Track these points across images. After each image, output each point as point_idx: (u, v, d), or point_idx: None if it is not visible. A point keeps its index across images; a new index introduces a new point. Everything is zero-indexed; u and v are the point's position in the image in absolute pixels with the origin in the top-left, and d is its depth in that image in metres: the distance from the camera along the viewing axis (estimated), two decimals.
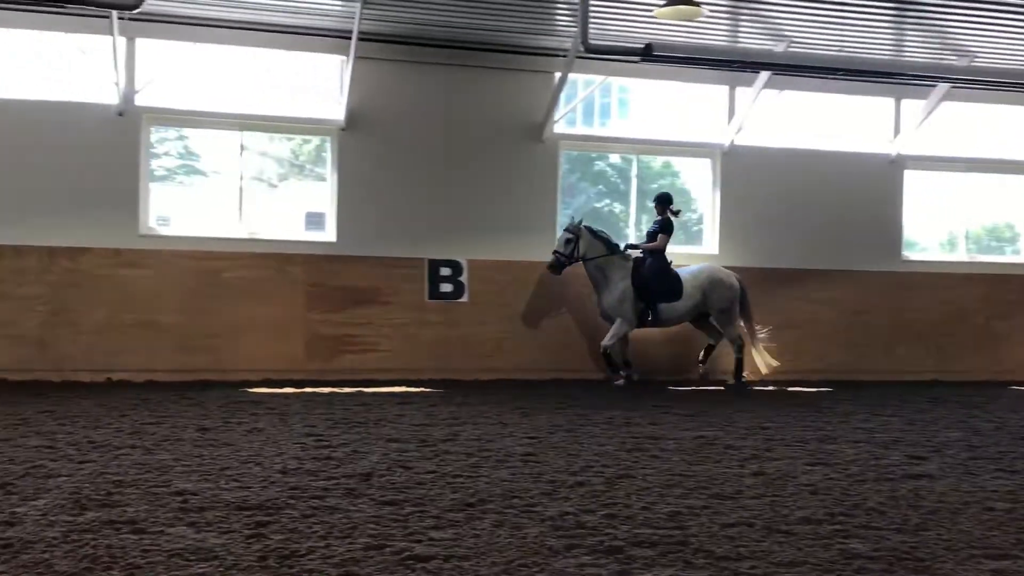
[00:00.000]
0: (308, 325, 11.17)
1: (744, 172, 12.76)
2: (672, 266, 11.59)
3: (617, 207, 13.64)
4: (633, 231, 12.85)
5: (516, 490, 5.82)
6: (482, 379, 11.51)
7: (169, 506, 5.29)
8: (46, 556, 4.38)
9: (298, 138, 12.22)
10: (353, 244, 11.53)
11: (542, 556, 4.44)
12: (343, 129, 11.50)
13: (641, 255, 11.59)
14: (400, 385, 10.87)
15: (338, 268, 11.37)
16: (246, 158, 11.67)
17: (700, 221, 13.32)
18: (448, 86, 11.77)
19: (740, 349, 11.91)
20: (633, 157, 12.97)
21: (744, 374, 11.91)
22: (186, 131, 11.82)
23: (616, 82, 13.02)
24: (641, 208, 12.94)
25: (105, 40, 10.47)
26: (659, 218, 11.58)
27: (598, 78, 12.29)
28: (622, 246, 11.65)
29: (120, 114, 10.79)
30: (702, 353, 12.08)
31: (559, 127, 12.32)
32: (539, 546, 4.59)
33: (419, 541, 4.68)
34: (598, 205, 13.84)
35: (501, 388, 11.02)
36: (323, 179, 12.01)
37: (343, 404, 9.48)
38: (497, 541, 4.67)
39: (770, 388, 11.84)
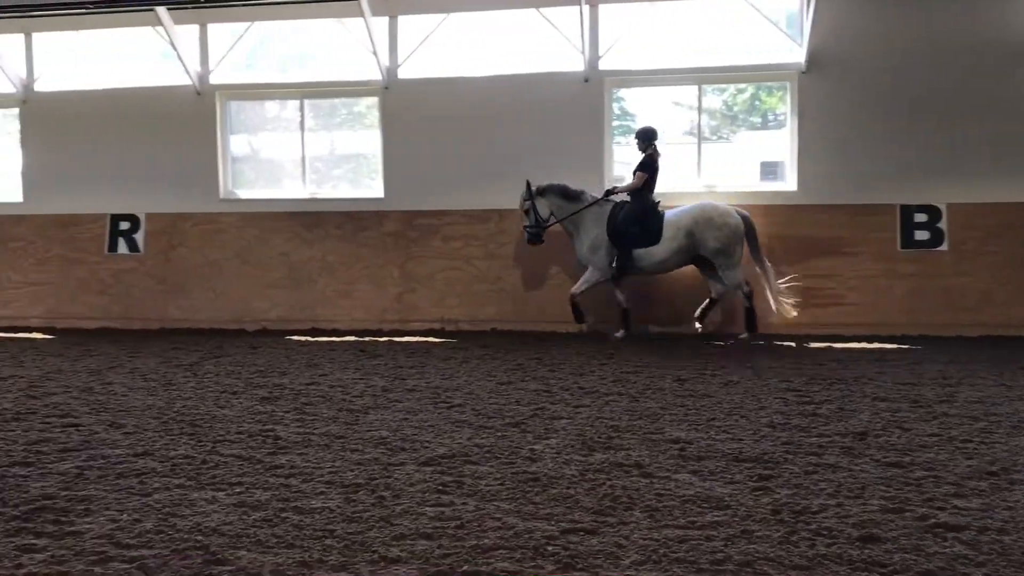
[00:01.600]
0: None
1: None
2: (659, 207, 10.30)
3: None
4: None
5: None
6: (967, 335, 10.38)
7: (668, 453, 5.46)
8: (571, 492, 4.74)
9: (731, 88, 11.86)
10: (814, 193, 11.00)
11: None
12: (803, 72, 10.97)
13: (626, 198, 10.45)
14: (871, 341, 10.20)
15: (799, 218, 10.95)
16: (697, 112, 11.63)
17: None
18: (929, 11, 10.62)
19: (749, 297, 10.13)
20: None
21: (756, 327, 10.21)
22: (624, 92, 11.97)
23: None
24: None
25: (571, 11, 11.10)
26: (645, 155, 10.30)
27: None
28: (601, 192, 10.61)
29: (586, 80, 11.39)
30: (699, 309, 10.41)
31: None
32: None
33: (942, 509, 4.30)
34: None
35: (989, 346, 9.85)
36: (779, 127, 11.60)
37: (814, 359, 9.14)
38: None
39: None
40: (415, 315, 11.54)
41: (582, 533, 4.16)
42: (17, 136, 12.71)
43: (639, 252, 10.26)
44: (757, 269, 10.27)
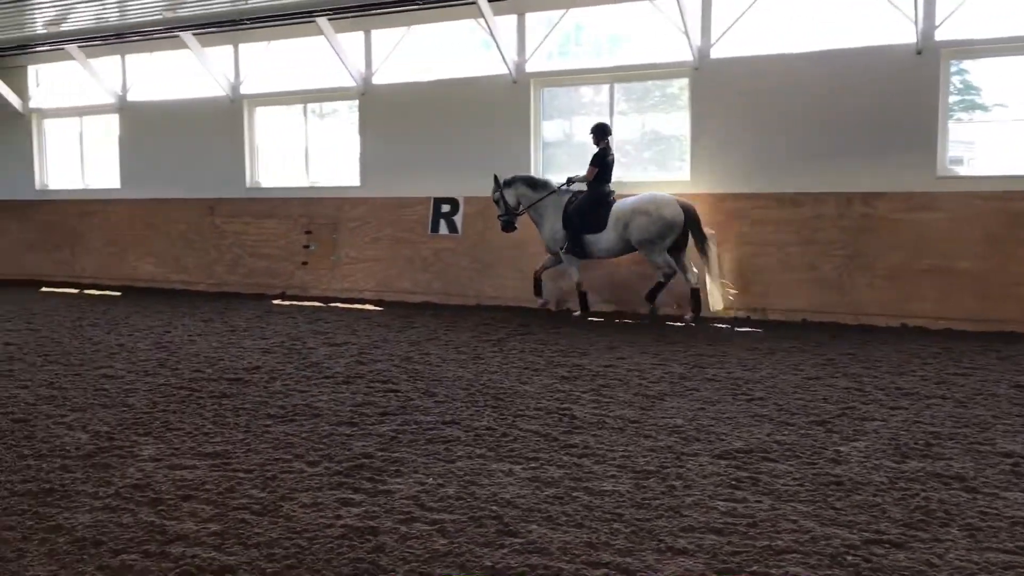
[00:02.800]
0: None
1: None
2: (612, 197, 11.00)
3: None
4: None
5: None
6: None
7: (998, 467, 4.86)
8: (877, 500, 4.36)
9: None
10: None
11: None
12: None
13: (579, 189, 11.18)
14: None
15: None
16: None
17: None
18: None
19: (665, 276, 10.70)
20: None
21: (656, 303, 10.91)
22: (967, 63, 10.75)
23: None
24: None
25: None
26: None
27: None
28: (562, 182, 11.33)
29: (918, 52, 10.40)
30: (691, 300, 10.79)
31: None
32: None
33: None
34: None
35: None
36: None
37: None
38: None
39: None
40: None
41: (887, 546, 3.81)
42: (356, 126, 14.02)
43: (588, 238, 11.00)
44: (701, 257, 10.66)
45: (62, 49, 15.25)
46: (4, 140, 17.17)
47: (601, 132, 11.03)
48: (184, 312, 12.16)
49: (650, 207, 10.62)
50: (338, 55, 13.38)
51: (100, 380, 7.61)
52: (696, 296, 10.71)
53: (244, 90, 14.79)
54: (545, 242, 11.46)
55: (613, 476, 4.92)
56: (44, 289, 15.46)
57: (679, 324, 10.72)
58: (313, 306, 12.90)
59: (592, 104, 12.74)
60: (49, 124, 17.07)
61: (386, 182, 13.60)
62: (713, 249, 10.72)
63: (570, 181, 11.21)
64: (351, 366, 8.19)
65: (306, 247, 14.10)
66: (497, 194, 11.56)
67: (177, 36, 14.13)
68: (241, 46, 14.71)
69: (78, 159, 16.86)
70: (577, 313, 11.44)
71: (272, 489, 4.72)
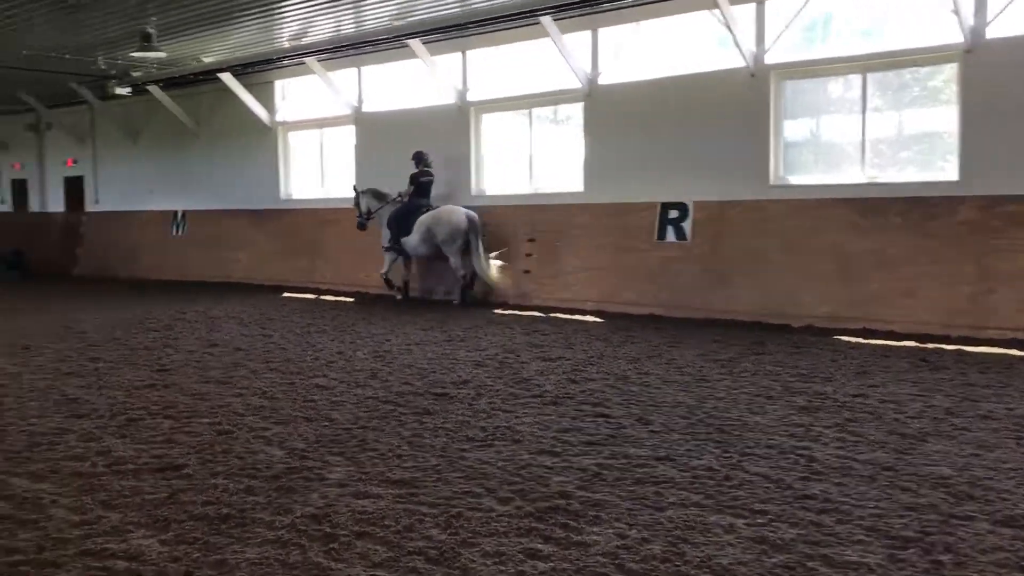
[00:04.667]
0: None
1: None
2: (424, 208, 14.01)
3: None
4: None
5: None
6: None
7: None
8: None
9: None
10: None
11: None
12: None
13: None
14: None
15: None
16: None
17: None
18: None
19: (464, 278, 13.70)
20: None
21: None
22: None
23: None
24: None
25: None
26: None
27: None
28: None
29: None
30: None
31: None
32: None
33: None
34: None
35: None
36: None
37: None
38: None
39: None
40: (993, 321, 9.62)
41: None
42: (581, 128, 13.49)
43: (404, 239, 14.00)
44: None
45: (303, 64, 15.90)
46: (253, 153, 18.21)
47: (418, 158, 14.20)
48: (407, 320, 12.14)
49: (445, 216, 13.55)
50: (563, 55, 12.91)
51: (312, 391, 7.51)
52: (468, 281, 13.67)
53: (471, 97, 14.70)
54: (384, 242, 14.49)
55: (860, 542, 3.98)
56: (286, 295, 16.17)
57: (935, 348, 9.25)
58: (533, 316, 12.48)
59: (842, 101, 11.39)
60: (293, 136, 17.93)
61: (610, 187, 12.96)
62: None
63: (399, 195, 14.46)
64: (561, 384, 7.60)
65: (528, 255, 13.74)
66: (355, 200, 14.87)
67: (407, 46, 14.27)
68: (468, 52, 14.63)
69: (318, 169, 17.58)
70: (399, 298, 14.52)
71: (454, 531, 4.18)
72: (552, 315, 12.52)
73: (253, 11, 13.25)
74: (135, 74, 17.62)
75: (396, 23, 13.72)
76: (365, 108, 16.30)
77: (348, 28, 14.25)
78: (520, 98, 14.20)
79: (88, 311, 13.69)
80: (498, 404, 6.88)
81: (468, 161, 14.73)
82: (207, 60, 16.56)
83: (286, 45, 15.40)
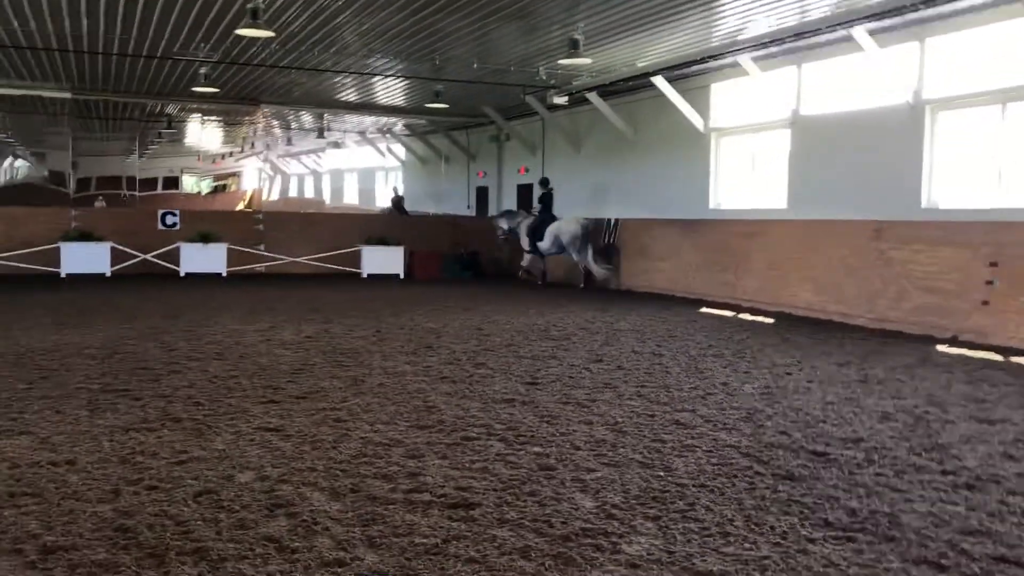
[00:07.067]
0: None
1: None
2: (550, 220, 19.40)
3: None
4: None
5: None
6: None
7: None
8: None
9: None
10: None
11: None
12: None
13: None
14: None
15: None
16: None
17: None
18: None
19: (585, 269, 19.02)
20: None
21: None
22: None
23: None
24: None
25: None
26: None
27: None
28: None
29: None
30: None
31: None
32: None
33: None
34: None
35: None
36: None
37: None
38: None
39: None
40: None
41: None
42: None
43: (539, 243, 19.28)
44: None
45: (737, 66, 14.82)
46: (685, 159, 17.56)
47: (543, 182, 19.84)
48: (824, 351, 10.50)
49: (562, 224, 18.79)
50: None
51: (667, 427, 6.52)
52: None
53: (926, 94, 12.46)
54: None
55: None
56: (703, 309, 15.22)
57: None
58: (985, 359, 10.07)
59: None
60: (725, 142, 16.91)
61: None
62: None
63: (529, 213, 20.10)
64: (991, 461, 5.68)
65: (988, 283, 11.22)
66: (495, 221, 21.16)
67: (852, 40, 12.50)
68: (927, 40, 12.42)
69: (749, 178, 16.36)
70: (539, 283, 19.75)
71: None
72: (1013, 359, 10.00)
73: (689, 9, 12.52)
74: (574, 83, 17.95)
75: (838, 11, 12.06)
76: (803, 111, 14.73)
77: (791, 18, 12.84)
78: (989, 93, 11.69)
79: (506, 313, 14.02)
80: (888, 478, 5.28)
81: (919, 168, 12.53)
82: (640, 65, 16.23)
83: (717, 44, 14.45)
